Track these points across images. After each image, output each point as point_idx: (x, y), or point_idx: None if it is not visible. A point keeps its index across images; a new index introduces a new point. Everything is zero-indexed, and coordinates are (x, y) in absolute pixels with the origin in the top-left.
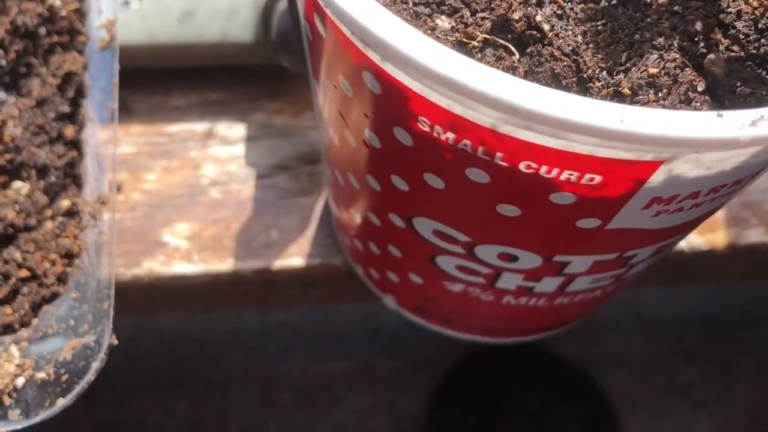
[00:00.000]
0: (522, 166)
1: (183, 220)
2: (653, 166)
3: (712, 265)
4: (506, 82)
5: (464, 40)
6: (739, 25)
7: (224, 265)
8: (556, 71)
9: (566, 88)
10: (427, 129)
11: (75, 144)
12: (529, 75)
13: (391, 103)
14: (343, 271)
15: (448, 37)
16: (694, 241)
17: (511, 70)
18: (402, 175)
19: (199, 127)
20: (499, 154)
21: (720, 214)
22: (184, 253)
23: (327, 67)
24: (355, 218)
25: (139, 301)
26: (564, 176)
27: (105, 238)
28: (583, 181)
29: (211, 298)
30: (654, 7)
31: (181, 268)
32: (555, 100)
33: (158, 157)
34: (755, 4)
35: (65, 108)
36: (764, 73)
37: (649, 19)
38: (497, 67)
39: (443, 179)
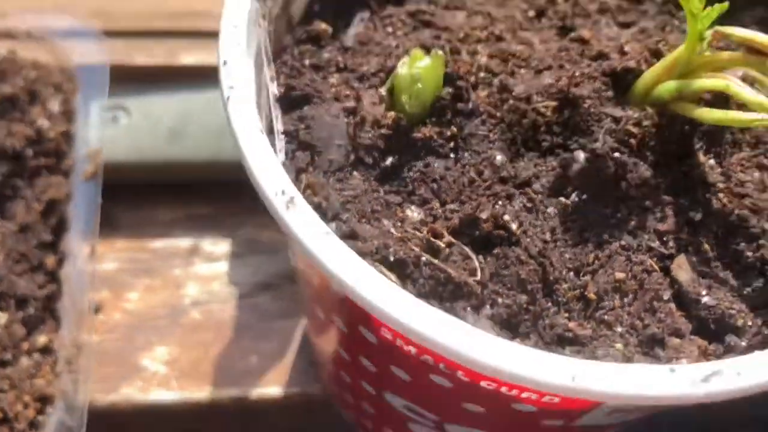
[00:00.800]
0: (483, 383)
1: (162, 344)
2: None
3: None
4: (462, 336)
5: (431, 239)
6: (709, 222)
7: (202, 392)
8: (521, 276)
9: (532, 293)
10: (389, 338)
11: (54, 276)
12: (494, 277)
13: (357, 308)
14: (322, 401)
15: (417, 233)
16: None
17: (479, 271)
18: (369, 360)
19: (184, 243)
20: (460, 372)
21: None
22: (162, 379)
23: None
24: (327, 366)
25: (116, 427)
26: (524, 395)
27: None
28: (543, 399)
29: (188, 425)
30: (625, 202)
31: (159, 395)
32: (509, 355)
33: (141, 274)
34: (726, 200)
35: (47, 237)
36: (731, 276)
37: (619, 215)
38: (461, 270)
39: (409, 375)
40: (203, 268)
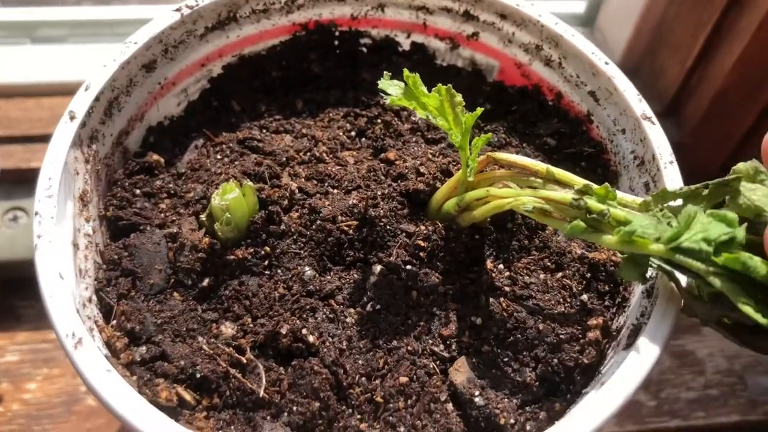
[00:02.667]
0: None
1: (57, 431)
2: None
3: None
4: None
5: (236, 354)
6: (490, 325)
7: None
8: (314, 385)
9: (324, 400)
10: None
11: None
12: (292, 387)
13: None
14: None
15: (226, 348)
16: None
17: (275, 383)
18: None
19: None
20: None
21: None
22: None
23: None
24: None
25: None
26: None
27: None
28: None
29: None
30: (415, 309)
31: None
32: None
33: (40, 365)
34: (505, 304)
35: None
36: (510, 372)
37: (410, 321)
38: (262, 383)
39: None
40: None
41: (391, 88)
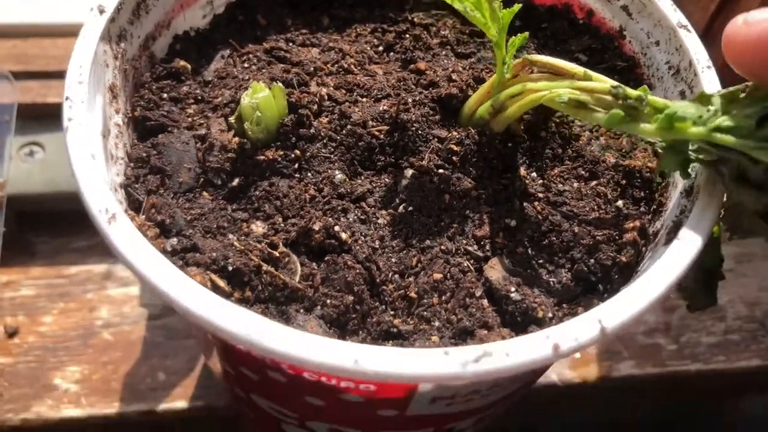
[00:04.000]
0: (306, 375)
1: (74, 364)
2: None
3: (587, 396)
4: (257, 327)
5: (269, 250)
6: (524, 227)
7: (110, 408)
8: (348, 279)
9: (358, 294)
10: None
11: None
12: (325, 282)
13: None
14: (225, 413)
15: (258, 245)
16: (566, 374)
17: (309, 276)
18: (229, 364)
19: (98, 268)
20: (284, 365)
21: (593, 348)
22: (72, 396)
23: None
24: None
25: None
26: (343, 384)
27: None
28: (361, 388)
29: None
30: (447, 212)
31: (69, 412)
32: (299, 343)
33: (56, 299)
34: (539, 208)
35: None
36: (543, 275)
37: (442, 223)
38: (295, 277)
39: (254, 373)
40: (116, 292)
41: None
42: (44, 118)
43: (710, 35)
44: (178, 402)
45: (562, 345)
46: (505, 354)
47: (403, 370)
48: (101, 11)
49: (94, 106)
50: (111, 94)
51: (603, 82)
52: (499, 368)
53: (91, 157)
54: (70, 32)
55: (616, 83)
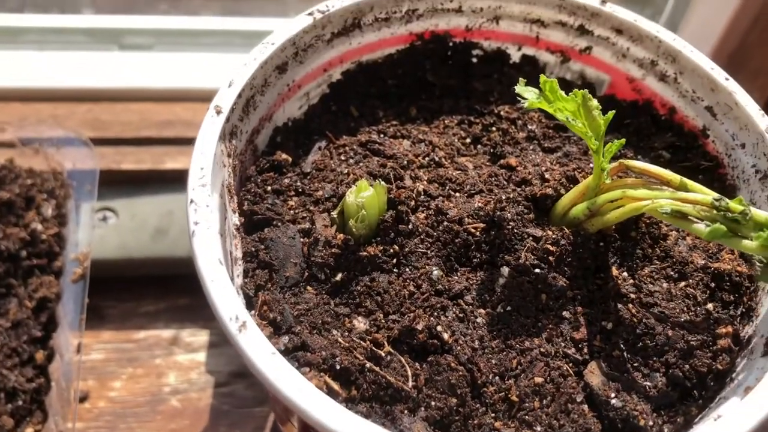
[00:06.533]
0: None
1: (143, 431)
2: None
3: None
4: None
5: (373, 348)
6: (619, 330)
7: None
8: (452, 381)
9: (461, 396)
10: None
11: (43, 370)
12: (428, 383)
13: None
14: None
15: (363, 341)
16: None
17: (415, 377)
18: None
19: (166, 333)
20: None
21: None
22: None
23: None
24: None
25: None
26: None
27: None
28: None
29: None
30: (545, 312)
31: None
32: None
33: (125, 364)
34: (634, 310)
35: (37, 332)
36: (639, 379)
37: (540, 324)
38: (399, 377)
39: None
40: (183, 358)
41: (528, 93)
42: (118, 184)
43: None
44: None
45: None
46: None
47: None
48: (218, 111)
49: (214, 207)
50: (229, 193)
51: (703, 193)
52: None
53: (218, 262)
54: (142, 97)
55: (717, 195)
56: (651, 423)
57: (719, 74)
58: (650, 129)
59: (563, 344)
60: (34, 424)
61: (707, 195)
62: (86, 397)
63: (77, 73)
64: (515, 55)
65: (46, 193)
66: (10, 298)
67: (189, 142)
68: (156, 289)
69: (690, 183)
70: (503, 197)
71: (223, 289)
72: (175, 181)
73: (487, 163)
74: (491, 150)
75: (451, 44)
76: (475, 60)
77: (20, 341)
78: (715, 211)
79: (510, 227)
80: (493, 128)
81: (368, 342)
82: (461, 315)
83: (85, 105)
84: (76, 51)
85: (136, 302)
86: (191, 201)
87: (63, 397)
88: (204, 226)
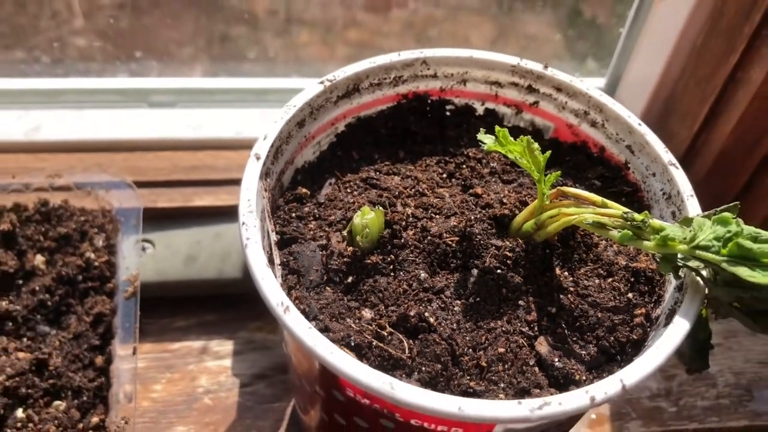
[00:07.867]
0: (412, 421)
1: (182, 424)
2: (492, 425)
3: None
4: (390, 385)
5: (378, 330)
6: (561, 314)
7: None
8: (437, 352)
9: (444, 364)
10: (351, 395)
11: (104, 372)
12: (420, 354)
13: (330, 376)
14: None
15: (369, 326)
16: None
17: (409, 350)
18: (340, 415)
19: (197, 344)
20: (397, 414)
21: (605, 410)
22: None
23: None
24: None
25: None
26: (440, 428)
27: None
28: (452, 429)
29: None
30: (505, 302)
31: None
32: (419, 395)
33: (164, 370)
34: (572, 299)
35: (96, 341)
36: (577, 348)
37: (501, 310)
38: (398, 350)
39: (366, 422)
40: (212, 364)
41: (487, 139)
42: (154, 220)
43: (693, 151)
44: None
45: (597, 397)
46: (558, 403)
47: (493, 414)
48: (257, 158)
49: (259, 227)
50: (267, 218)
51: (617, 208)
52: (555, 413)
53: (265, 265)
54: (169, 146)
55: (626, 210)
56: (584, 378)
57: (634, 120)
58: (585, 164)
59: (519, 324)
60: (98, 414)
61: (619, 210)
62: (132, 399)
63: (114, 128)
64: (480, 109)
65: (97, 228)
66: (70, 315)
67: (213, 183)
68: (188, 307)
69: (609, 203)
70: (472, 217)
71: (270, 283)
72: (203, 215)
73: (460, 193)
74: (462, 182)
75: (429, 102)
76: (448, 113)
77: (81, 349)
78: (624, 221)
79: (477, 239)
80: (464, 166)
81: (374, 326)
82: (443, 305)
83: (122, 154)
84: (112, 109)
85: (171, 318)
86: (243, 223)
87: (120, 393)
88: (253, 240)
